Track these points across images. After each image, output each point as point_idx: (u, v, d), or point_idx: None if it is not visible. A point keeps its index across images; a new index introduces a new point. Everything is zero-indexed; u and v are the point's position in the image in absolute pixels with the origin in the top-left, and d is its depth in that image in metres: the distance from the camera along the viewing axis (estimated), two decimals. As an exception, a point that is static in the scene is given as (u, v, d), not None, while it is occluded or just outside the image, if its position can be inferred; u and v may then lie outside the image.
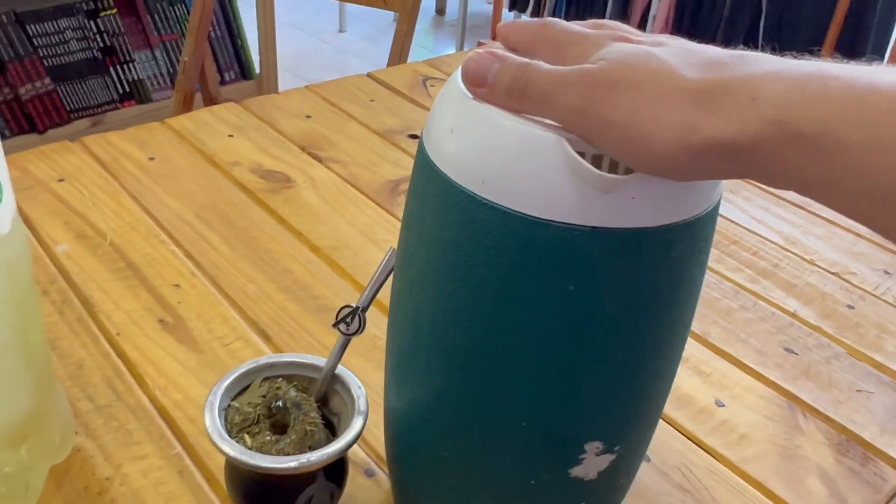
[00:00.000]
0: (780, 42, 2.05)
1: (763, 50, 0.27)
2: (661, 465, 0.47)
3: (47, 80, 1.55)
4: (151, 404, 0.48)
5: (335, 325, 0.39)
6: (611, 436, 0.33)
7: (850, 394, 0.54)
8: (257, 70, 1.81)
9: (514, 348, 0.31)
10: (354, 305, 0.39)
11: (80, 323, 0.54)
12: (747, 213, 0.74)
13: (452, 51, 2.88)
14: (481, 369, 0.32)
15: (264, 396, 0.39)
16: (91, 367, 0.50)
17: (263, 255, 0.62)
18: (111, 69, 1.62)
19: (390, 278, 0.38)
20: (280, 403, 0.39)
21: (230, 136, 0.78)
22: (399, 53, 1.33)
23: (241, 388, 0.40)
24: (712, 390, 0.53)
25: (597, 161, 0.27)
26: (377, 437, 0.47)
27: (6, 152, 0.37)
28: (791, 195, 0.77)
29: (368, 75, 0.94)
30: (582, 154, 0.28)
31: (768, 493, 0.46)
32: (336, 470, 0.39)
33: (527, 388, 0.32)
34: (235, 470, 0.38)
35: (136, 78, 1.65)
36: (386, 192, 0.72)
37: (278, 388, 0.39)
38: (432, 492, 0.38)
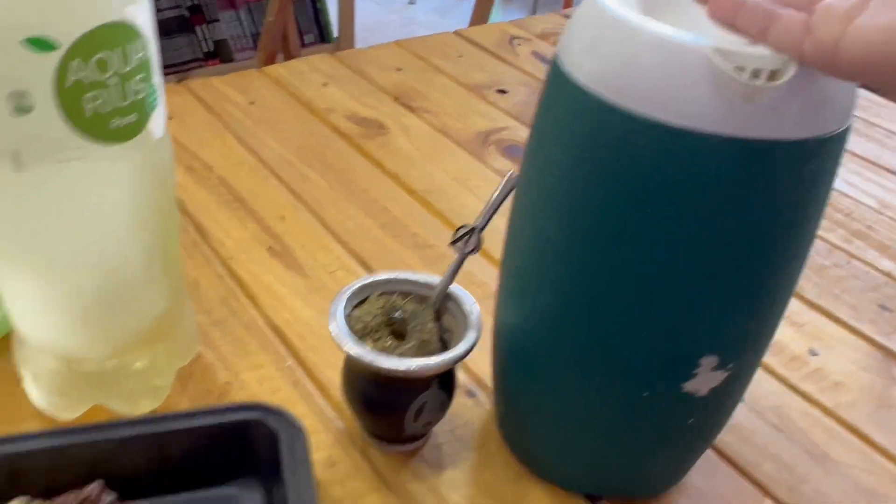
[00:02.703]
0: None
1: None
2: (755, 405, 0.48)
3: (137, 37, 1.60)
4: (264, 321, 0.51)
5: (452, 243, 0.41)
6: (726, 351, 0.34)
7: (948, 351, 0.54)
8: (335, 34, 1.84)
9: (641, 258, 0.32)
10: (471, 225, 0.41)
11: (195, 247, 0.57)
12: (839, 176, 0.73)
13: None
14: (606, 279, 0.33)
15: (382, 308, 0.41)
16: (207, 287, 0.53)
17: (361, 194, 0.64)
18: (197, 28, 1.67)
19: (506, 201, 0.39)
20: (399, 314, 0.41)
21: (324, 84, 0.81)
22: (480, 17, 1.34)
23: (358, 301, 0.42)
24: (806, 340, 0.54)
25: (738, 71, 0.28)
26: (476, 363, 0.49)
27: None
28: (884, 159, 0.76)
29: (456, 33, 0.95)
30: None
31: (865, 438, 0.47)
32: (448, 380, 0.41)
33: (650, 299, 0.33)
34: (355, 373, 0.40)
35: (220, 38, 1.70)
36: (477, 143, 0.73)
37: (395, 301, 0.41)
38: (541, 405, 0.39)
